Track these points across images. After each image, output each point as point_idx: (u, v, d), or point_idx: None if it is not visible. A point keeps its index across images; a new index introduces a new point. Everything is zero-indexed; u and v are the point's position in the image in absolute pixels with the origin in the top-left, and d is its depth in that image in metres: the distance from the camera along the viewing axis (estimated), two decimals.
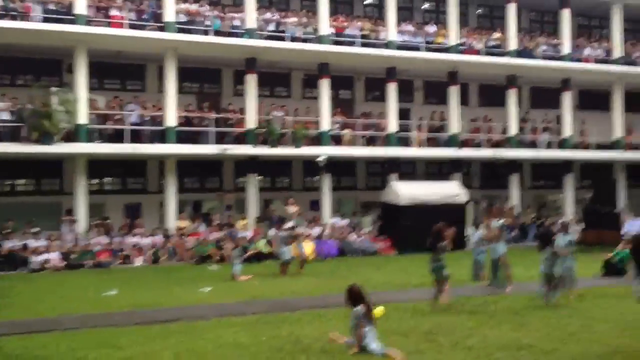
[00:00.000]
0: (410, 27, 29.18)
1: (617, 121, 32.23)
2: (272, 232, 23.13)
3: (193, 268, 21.04)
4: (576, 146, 31.85)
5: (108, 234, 23.27)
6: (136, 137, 24.04)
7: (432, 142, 29.52)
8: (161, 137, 24.32)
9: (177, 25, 24.40)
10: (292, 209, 25.23)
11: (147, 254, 22.72)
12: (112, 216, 25.07)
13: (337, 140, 27.31)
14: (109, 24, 23.57)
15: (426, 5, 33.05)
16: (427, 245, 12.48)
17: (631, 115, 33.35)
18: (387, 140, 27.95)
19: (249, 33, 25.38)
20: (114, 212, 25.56)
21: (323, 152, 25.75)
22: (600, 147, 32.45)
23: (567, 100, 31.43)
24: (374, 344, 8.61)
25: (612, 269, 15.56)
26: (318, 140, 26.70)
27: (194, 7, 25.45)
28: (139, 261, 22.42)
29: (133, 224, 24.32)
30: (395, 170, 28.67)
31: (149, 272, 19.97)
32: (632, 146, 32.99)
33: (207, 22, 25.26)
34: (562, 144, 31.38)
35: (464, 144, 29.59)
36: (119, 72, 27.05)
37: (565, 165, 31.74)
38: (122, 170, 27.35)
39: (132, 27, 23.85)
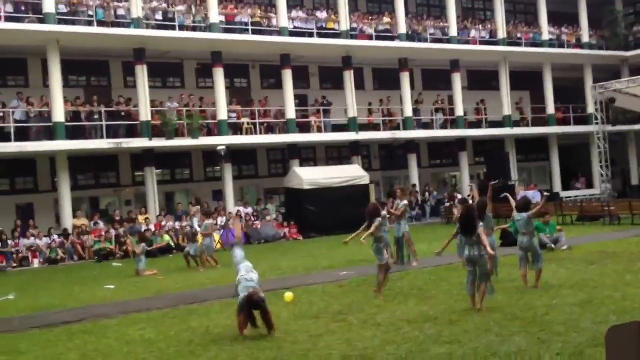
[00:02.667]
0: (301, 14, 29.25)
1: (505, 99, 33.68)
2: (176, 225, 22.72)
3: (95, 266, 20.38)
4: (473, 125, 33.16)
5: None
6: (22, 134, 22.88)
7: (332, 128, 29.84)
8: (50, 133, 23.25)
9: (58, 17, 23.31)
10: (193, 209, 24.77)
11: (45, 255, 21.78)
12: (3, 218, 23.75)
13: (235, 129, 27.07)
14: None
15: None
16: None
17: (518, 93, 34.96)
18: (287, 127, 27.97)
19: (136, 23, 24.61)
20: (5, 214, 24.23)
21: (222, 141, 25.42)
22: (492, 124, 33.90)
23: (457, 81, 32.52)
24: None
25: (509, 239, 16.27)
26: (216, 130, 26.37)
27: None
28: (36, 263, 21.48)
29: (27, 225, 23.19)
30: (297, 156, 28.79)
31: (48, 274, 19.21)
32: (519, 122, 34.67)
33: (90, 12, 24.26)
34: (455, 123, 32.50)
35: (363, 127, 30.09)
36: None
37: (460, 143, 32.94)
38: (10, 170, 25.93)
39: (10, 19, 22.61)
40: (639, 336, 3.81)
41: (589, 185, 35.94)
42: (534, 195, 28.22)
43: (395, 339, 8.08)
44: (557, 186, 35.07)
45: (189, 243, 18.75)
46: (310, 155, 31.67)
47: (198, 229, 19.34)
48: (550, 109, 34.99)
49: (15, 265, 21.35)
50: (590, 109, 33.69)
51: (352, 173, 27.61)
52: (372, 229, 11.32)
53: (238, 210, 25.75)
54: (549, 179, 36.19)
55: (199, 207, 24.43)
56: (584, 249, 16.16)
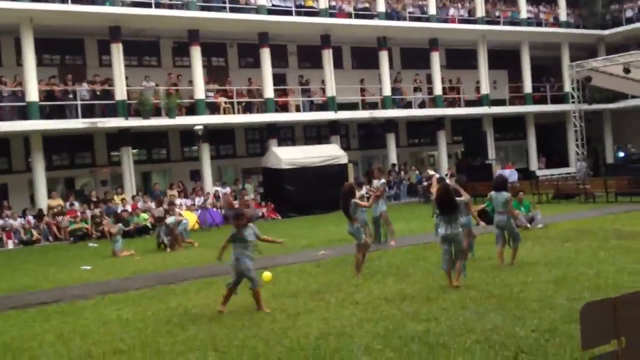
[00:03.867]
0: None
1: (483, 78, 33.76)
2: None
3: (70, 247, 20.21)
4: (452, 104, 33.22)
5: None
6: None
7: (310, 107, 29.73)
8: (23, 113, 22.88)
9: None
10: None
11: (20, 236, 21.56)
12: None
13: (213, 108, 26.85)
14: None
15: None
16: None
17: (495, 72, 35.06)
18: (265, 106, 27.80)
19: (111, 0, 24.20)
20: None
21: (199, 121, 25.21)
22: (469, 103, 34.02)
23: (436, 59, 32.49)
24: None
25: (486, 218, 16.37)
26: (193, 109, 26.13)
27: None
28: (11, 244, 21.27)
29: (0, 205, 22.90)
30: (275, 136, 28.67)
31: (23, 254, 19.04)
32: (497, 101, 34.81)
33: None
34: (434, 102, 32.53)
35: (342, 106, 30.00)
36: None
37: (438, 122, 33.01)
38: None
39: None
40: (612, 313, 3.85)
41: (564, 163, 36.24)
42: (511, 174, 28.52)
43: (373, 317, 8.12)
44: (534, 165, 35.37)
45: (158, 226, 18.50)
46: (288, 134, 31.55)
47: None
48: (528, 87, 35.17)
49: None
50: (567, 87, 33.91)
51: (331, 152, 27.59)
52: (371, 201, 11.48)
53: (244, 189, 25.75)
54: (526, 157, 36.47)
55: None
56: (559, 227, 16.34)
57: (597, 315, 3.82)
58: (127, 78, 24.83)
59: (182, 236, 18.05)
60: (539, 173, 33.99)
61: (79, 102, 23.90)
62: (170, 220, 17.99)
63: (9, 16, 22.65)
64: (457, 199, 10.42)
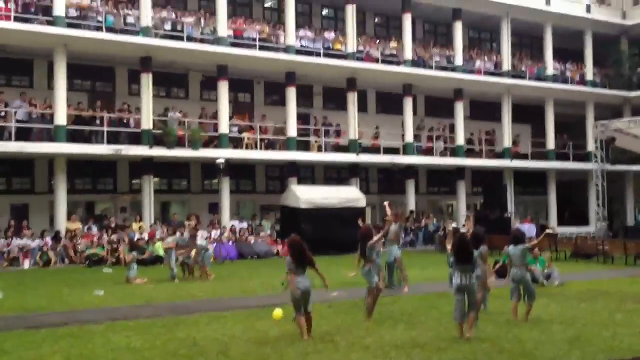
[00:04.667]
0: (309, 33, 29.43)
1: (506, 131, 33.80)
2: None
3: (85, 271, 20.27)
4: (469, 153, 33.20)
5: None
6: (23, 135, 22.89)
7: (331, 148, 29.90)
8: (50, 135, 23.26)
9: (67, 20, 23.44)
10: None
11: (36, 257, 21.70)
12: None
13: (236, 143, 27.10)
14: None
15: (325, 12, 33.43)
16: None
17: (518, 126, 35.10)
18: (287, 144, 28.00)
19: (144, 31, 24.75)
20: None
21: (222, 154, 25.43)
22: (490, 155, 33.98)
23: (460, 109, 32.65)
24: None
25: (501, 272, 16.21)
26: (217, 142, 26.40)
27: (85, 1, 24.44)
28: (27, 264, 21.39)
29: (20, 225, 23.12)
30: (295, 174, 28.80)
31: (38, 275, 19.12)
32: (519, 155, 34.74)
33: (100, 18, 24.40)
34: (455, 152, 32.57)
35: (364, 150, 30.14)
36: (4, 66, 25.70)
37: (458, 172, 32.99)
38: (8, 170, 25.91)
39: (18, 19, 22.70)
40: None
41: (583, 221, 35.86)
42: (529, 229, 28.24)
43: None
44: (553, 220, 35.06)
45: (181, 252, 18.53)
46: (308, 174, 31.69)
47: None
48: (551, 143, 35.12)
49: (5, 264, 21.23)
50: (590, 146, 33.80)
51: (349, 195, 27.60)
52: (378, 237, 11.52)
53: (232, 225, 25.75)
54: (545, 213, 36.19)
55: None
56: (576, 286, 16.11)
57: None
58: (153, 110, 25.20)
59: (203, 264, 18.00)
60: (567, 230, 33.68)
61: (105, 128, 24.26)
62: (201, 242, 18.12)
63: (44, 41, 23.24)
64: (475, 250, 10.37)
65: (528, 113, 36.19)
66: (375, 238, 11.47)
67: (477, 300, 10.01)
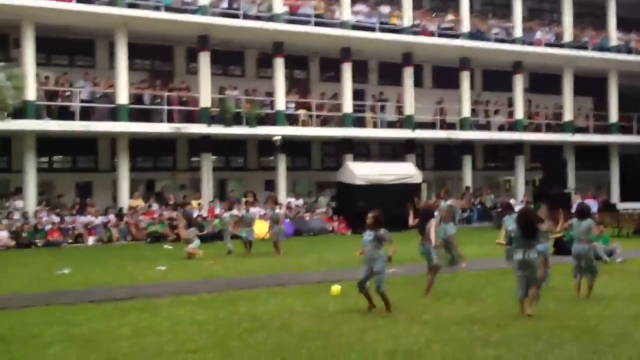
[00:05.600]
0: (364, 8, 29.14)
1: (567, 104, 32.93)
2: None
3: (146, 247, 20.82)
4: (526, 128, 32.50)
5: (58, 213, 22.80)
6: (86, 114, 23.54)
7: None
8: (112, 114, 23.85)
9: (127, 0, 23.84)
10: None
11: (100, 233, 22.37)
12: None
13: (292, 120, 27.23)
14: None
15: None
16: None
17: (580, 99, 34.14)
18: (343, 121, 27.98)
19: (202, 10, 24.98)
20: (65, 191, 25.07)
21: (278, 132, 25.60)
22: (550, 129, 33.19)
23: (519, 82, 31.94)
24: None
25: (563, 248, 15.93)
26: (273, 120, 26.57)
27: None
28: (91, 240, 22.10)
29: (85, 202, 23.87)
30: (350, 151, 28.78)
31: (102, 251, 19.73)
32: (580, 129, 33.83)
33: None
34: (514, 126, 31.94)
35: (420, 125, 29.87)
36: (68, 47, 26.39)
37: (517, 147, 32.36)
38: (73, 148, 26.75)
39: (81, 1, 23.19)
40: None
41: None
42: (591, 205, 27.54)
43: (442, 338, 8.05)
44: (615, 197, 34.13)
45: (244, 228, 18.78)
46: (363, 150, 31.61)
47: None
48: (614, 116, 34.07)
49: (70, 241, 21.96)
50: None
51: (405, 171, 27.46)
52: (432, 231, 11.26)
53: (289, 202, 25.98)
54: (607, 188, 35.23)
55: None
56: (638, 263, 15.72)
57: None
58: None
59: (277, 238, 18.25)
60: (631, 206, 32.72)
61: (165, 107, 24.71)
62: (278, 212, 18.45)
63: (106, 21, 23.74)
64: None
65: (590, 85, 35.12)
66: (432, 223, 11.35)
67: (537, 276, 9.87)
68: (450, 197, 16.31)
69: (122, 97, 23.76)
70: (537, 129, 32.98)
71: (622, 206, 32.64)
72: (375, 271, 9.67)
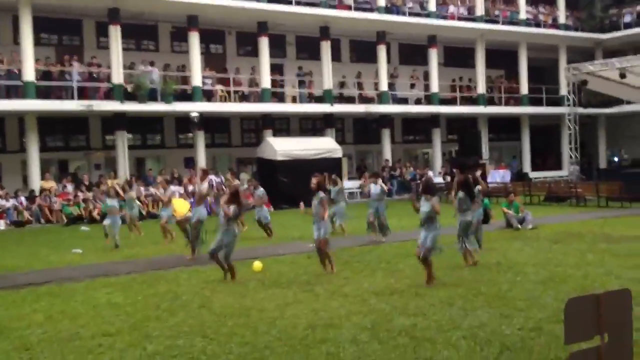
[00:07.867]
0: None
1: (480, 77, 33.82)
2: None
3: (62, 230, 20.17)
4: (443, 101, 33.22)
5: None
6: None
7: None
8: (19, 92, 22.81)
9: None
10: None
11: (12, 217, 21.52)
12: None
13: (209, 96, 26.80)
14: None
15: None
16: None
17: (492, 72, 35.11)
18: (261, 96, 27.77)
19: None
20: None
21: (195, 108, 25.16)
22: (465, 102, 34.07)
23: (434, 56, 32.53)
24: None
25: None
26: (189, 96, 26.08)
27: None
28: (2, 225, 21.23)
29: None
30: (270, 126, 28.65)
31: (14, 235, 19.02)
32: (492, 101, 34.87)
33: None
34: (430, 99, 32.58)
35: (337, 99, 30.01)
36: None
37: (433, 120, 33.06)
38: None
39: None
40: (597, 309, 3.92)
41: (557, 166, 36.36)
42: (504, 175, 28.59)
43: (361, 309, 8.19)
44: (527, 166, 35.50)
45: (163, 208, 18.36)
46: (283, 125, 31.55)
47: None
48: (524, 89, 35.26)
49: None
50: (563, 90, 33.99)
51: (326, 145, 27.61)
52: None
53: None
54: (519, 158, 36.59)
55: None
56: (549, 229, 16.44)
57: (581, 310, 3.88)
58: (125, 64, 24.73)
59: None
60: (541, 174, 34.08)
61: (74, 84, 23.82)
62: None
63: None
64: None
65: (501, 58, 36.19)
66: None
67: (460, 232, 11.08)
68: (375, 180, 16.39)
69: (29, 73, 22.71)
70: (452, 101, 33.79)
71: (533, 175, 34.07)
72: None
